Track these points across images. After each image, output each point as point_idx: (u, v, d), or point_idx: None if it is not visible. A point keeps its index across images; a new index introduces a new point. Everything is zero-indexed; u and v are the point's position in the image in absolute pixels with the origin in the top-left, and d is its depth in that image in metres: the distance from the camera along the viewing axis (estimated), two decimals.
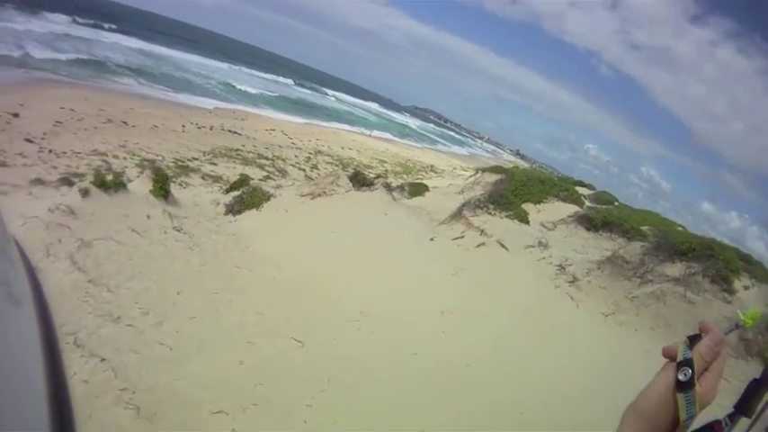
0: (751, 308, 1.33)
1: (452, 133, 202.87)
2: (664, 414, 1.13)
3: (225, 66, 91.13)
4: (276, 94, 74.21)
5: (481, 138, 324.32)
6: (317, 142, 45.10)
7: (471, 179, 27.31)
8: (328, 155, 40.64)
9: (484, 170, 28.33)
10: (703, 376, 1.14)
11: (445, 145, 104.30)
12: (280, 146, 38.54)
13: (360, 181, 19.84)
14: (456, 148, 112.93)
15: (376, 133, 71.50)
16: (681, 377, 1.12)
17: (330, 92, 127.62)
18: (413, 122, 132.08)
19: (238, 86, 68.48)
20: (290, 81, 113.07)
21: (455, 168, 58.42)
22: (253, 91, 69.45)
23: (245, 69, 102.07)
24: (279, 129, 45.08)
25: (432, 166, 54.93)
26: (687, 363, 1.14)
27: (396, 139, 77.11)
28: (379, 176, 25.80)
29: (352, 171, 24.19)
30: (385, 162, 46.98)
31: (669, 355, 1.21)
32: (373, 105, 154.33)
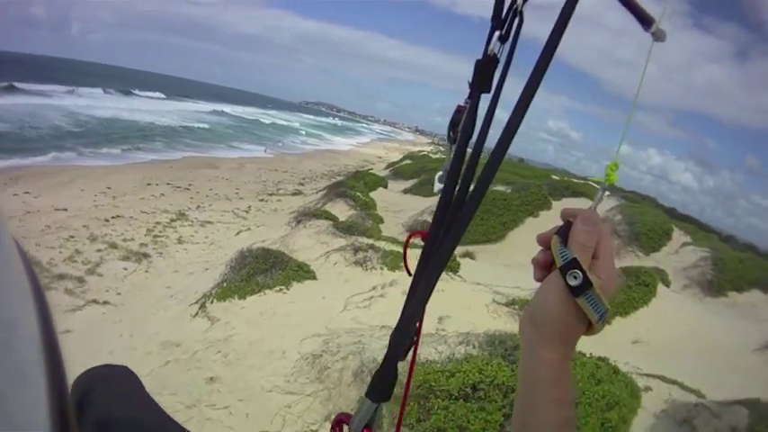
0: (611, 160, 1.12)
1: (338, 122, 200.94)
2: (571, 321, 1.03)
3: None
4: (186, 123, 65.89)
5: (376, 121, 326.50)
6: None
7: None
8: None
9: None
10: (595, 265, 1.04)
11: (322, 139, 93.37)
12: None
13: None
14: (339, 139, 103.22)
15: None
16: (572, 282, 1.01)
17: (234, 107, 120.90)
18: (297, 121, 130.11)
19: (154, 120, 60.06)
20: (199, 105, 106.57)
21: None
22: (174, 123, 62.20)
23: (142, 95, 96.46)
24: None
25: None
26: (571, 264, 1.02)
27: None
28: None
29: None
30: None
31: (545, 243, 1.13)
32: (272, 111, 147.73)
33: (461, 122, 1.17)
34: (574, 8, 0.99)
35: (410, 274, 1.22)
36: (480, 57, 1.14)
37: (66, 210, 20.45)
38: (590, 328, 1.04)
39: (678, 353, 12.62)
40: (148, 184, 26.93)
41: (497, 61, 1.14)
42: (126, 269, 15.79)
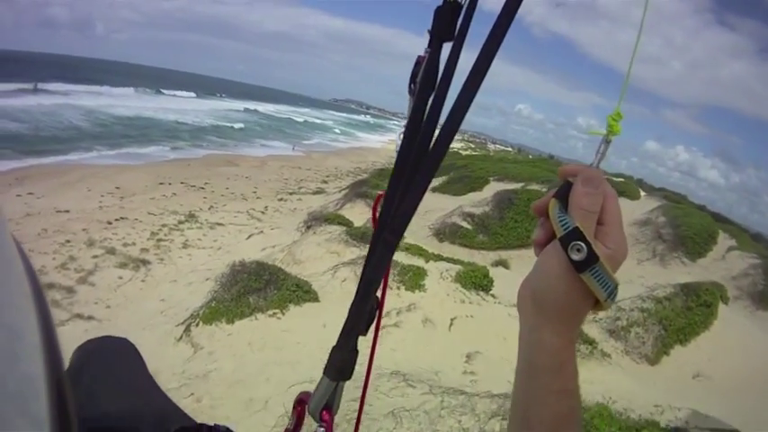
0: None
1: (369, 119, 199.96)
2: (575, 300, 0.88)
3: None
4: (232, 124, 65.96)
5: (405, 117, 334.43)
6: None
7: None
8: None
9: None
10: (601, 231, 0.87)
11: (352, 136, 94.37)
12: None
13: None
14: (368, 136, 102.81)
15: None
16: (575, 257, 0.84)
17: (266, 105, 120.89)
18: (330, 119, 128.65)
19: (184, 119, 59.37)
20: (232, 103, 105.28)
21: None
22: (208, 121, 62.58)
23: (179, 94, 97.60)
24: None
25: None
26: (574, 235, 0.85)
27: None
28: None
29: None
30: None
31: (541, 212, 0.94)
32: (306, 109, 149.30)
33: (419, 74, 1.04)
34: None
35: (374, 232, 1.06)
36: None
37: (68, 211, 18.83)
38: (597, 305, 0.89)
39: (745, 389, 10.59)
40: (161, 184, 25.12)
41: (460, 7, 1.00)
42: (121, 278, 13.99)
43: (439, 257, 13.46)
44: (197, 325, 9.76)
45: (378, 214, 1.08)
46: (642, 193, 27.76)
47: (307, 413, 1.09)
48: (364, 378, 1.17)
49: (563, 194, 0.90)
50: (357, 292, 1.02)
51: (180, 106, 70.58)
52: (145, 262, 15.21)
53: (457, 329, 10.39)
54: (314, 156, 49.97)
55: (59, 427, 0.45)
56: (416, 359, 8.76)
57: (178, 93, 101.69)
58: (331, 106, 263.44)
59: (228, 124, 63.40)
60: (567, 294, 0.87)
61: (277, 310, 9.94)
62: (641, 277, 18.03)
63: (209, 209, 21.62)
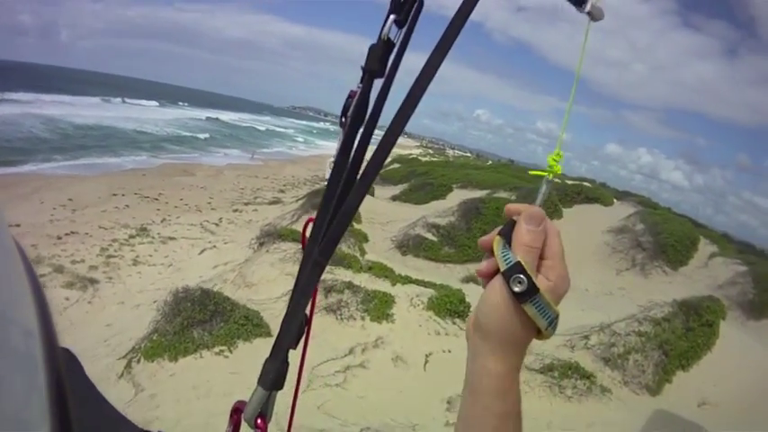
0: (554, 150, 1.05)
1: (329, 126, 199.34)
2: (517, 329, 0.94)
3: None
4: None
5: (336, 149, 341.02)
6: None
7: None
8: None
9: None
10: (544, 265, 0.95)
11: (311, 144, 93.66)
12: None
13: None
14: (327, 143, 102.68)
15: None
16: (516, 288, 0.90)
17: (227, 113, 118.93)
18: (291, 128, 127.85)
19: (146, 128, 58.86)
20: (194, 112, 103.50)
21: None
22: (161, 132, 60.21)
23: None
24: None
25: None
26: (515, 269, 0.90)
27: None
28: None
29: None
30: None
31: (487, 247, 1.00)
32: (267, 118, 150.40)
33: (351, 108, 1.09)
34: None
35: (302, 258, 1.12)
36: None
37: (18, 225, 18.00)
38: (539, 334, 0.96)
39: (755, 416, 9.64)
40: (114, 195, 24.34)
41: (392, 46, 1.07)
42: (68, 299, 13.34)
43: (407, 280, 12.67)
44: (138, 361, 9.11)
45: (306, 237, 1.15)
46: (614, 200, 26.83)
47: (243, 421, 1.08)
48: (294, 387, 1.16)
49: (507, 232, 0.95)
50: (287, 309, 1.05)
51: (143, 115, 69.57)
52: (93, 281, 14.60)
53: (433, 368, 9.66)
54: (271, 164, 49.30)
55: (59, 425, 0.47)
56: (389, 408, 8.09)
57: (142, 102, 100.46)
58: (290, 114, 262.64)
59: (191, 134, 62.56)
60: (509, 323, 0.93)
61: (224, 347, 9.20)
62: (622, 289, 17.67)
63: (162, 222, 20.96)
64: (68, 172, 29.64)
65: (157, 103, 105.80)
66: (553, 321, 0.93)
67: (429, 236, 19.44)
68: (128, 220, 20.39)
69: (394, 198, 30.12)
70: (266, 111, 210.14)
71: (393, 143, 0.97)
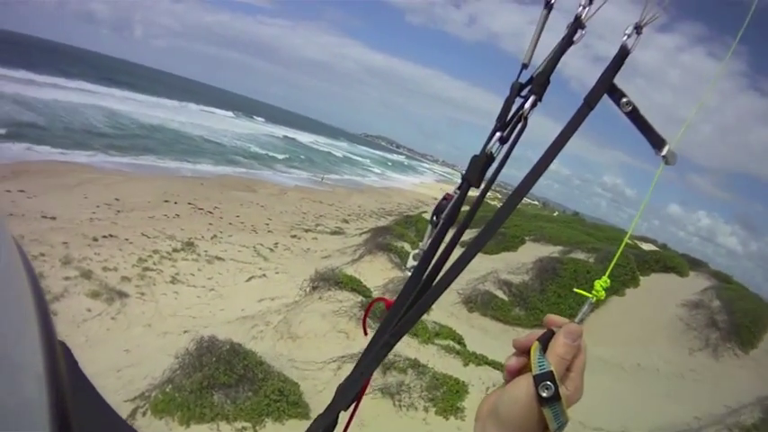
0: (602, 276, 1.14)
1: (403, 159, 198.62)
2: (531, 424, 1.01)
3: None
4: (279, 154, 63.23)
5: (435, 161, 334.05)
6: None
7: None
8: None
9: None
10: (567, 376, 1.02)
11: (381, 175, 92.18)
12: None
13: None
14: (396, 176, 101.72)
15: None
16: (544, 394, 0.98)
17: (303, 134, 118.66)
18: (368, 157, 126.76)
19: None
20: (270, 128, 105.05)
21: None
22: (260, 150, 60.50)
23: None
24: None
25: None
26: (547, 377, 0.98)
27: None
28: None
29: None
30: None
31: (521, 348, 1.10)
32: (344, 144, 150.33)
33: (446, 210, 1.21)
34: (580, 123, 1.10)
35: (366, 334, 1.30)
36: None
37: (54, 218, 16.94)
38: None
39: None
40: (166, 201, 23.05)
41: (493, 160, 1.17)
42: (89, 311, 11.95)
43: (482, 360, 10.78)
44: (144, 413, 7.30)
45: (367, 316, 1.44)
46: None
47: None
48: None
49: (545, 340, 1.03)
50: (348, 376, 1.12)
51: (215, 125, 69.48)
52: (122, 294, 13.09)
53: None
54: (338, 191, 47.68)
55: (59, 424, 0.48)
56: None
57: (216, 110, 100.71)
58: (363, 141, 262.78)
59: (270, 153, 61.44)
60: (527, 420, 0.99)
61: (248, 424, 7.31)
62: (693, 371, 15.40)
63: (212, 238, 19.46)
64: (122, 169, 28.60)
65: (233, 114, 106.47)
66: (562, 425, 0.97)
67: (499, 294, 17.65)
68: (175, 230, 18.97)
69: (462, 245, 27.22)
70: (342, 136, 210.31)
71: (476, 251, 1.08)
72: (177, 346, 9.62)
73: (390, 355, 9.41)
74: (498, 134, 1.16)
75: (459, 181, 1.19)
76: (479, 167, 1.15)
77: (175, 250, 16.88)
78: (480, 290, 17.60)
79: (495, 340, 13.36)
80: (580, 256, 21.20)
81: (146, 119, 51.01)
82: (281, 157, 60.90)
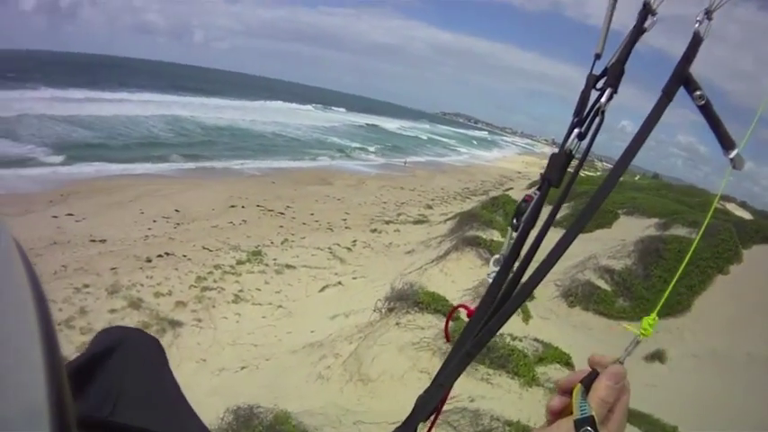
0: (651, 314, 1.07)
1: (486, 135, 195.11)
2: None
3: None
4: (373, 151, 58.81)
5: (514, 133, 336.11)
6: None
7: None
8: None
9: None
10: (608, 418, 0.98)
11: (461, 153, 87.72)
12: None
13: None
14: (478, 152, 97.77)
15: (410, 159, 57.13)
16: None
17: (386, 120, 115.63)
18: (454, 137, 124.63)
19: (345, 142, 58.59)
20: (351, 117, 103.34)
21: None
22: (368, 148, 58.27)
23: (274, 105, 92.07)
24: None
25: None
26: (587, 422, 0.95)
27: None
28: None
29: None
30: None
31: (564, 389, 1.05)
32: (426, 126, 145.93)
33: (526, 213, 1.18)
34: (660, 115, 1.07)
35: (448, 341, 1.36)
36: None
37: (104, 241, 15.79)
38: None
39: None
40: (232, 207, 21.58)
41: (572, 158, 1.16)
42: None
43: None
44: None
45: (449, 324, 1.40)
46: None
47: None
48: None
49: (588, 382, 0.99)
50: (429, 387, 1.13)
51: (293, 120, 67.85)
52: (174, 323, 11.60)
53: None
54: (419, 173, 45.73)
55: (59, 425, 0.47)
56: None
57: (293, 105, 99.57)
58: (441, 120, 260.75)
59: (350, 143, 59.60)
60: None
61: None
62: None
63: (283, 243, 17.80)
64: (184, 176, 27.28)
65: (312, 108, 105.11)
66: None
67: (601, 283, 15.57)
68: (240, 239, 17.42)
69: (556, 224, 24.41)
70: (423, 118, 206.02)
71: (558, 257, 1.05)
72: (233, 388, 7.98)
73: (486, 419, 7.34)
74: (576, 131, 1.13)
75: (540, 173, 1.16)
76: (560, 166, 1.13)
77: (240, 262, 15.30)
78: (580, 280, 15.63)
79: (602, 344, 11.67)
80: (680, 231, 18.70)
81: (212, 121, 50.18)
82: (372, 148, 58.69)
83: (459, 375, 1.11)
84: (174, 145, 36.35)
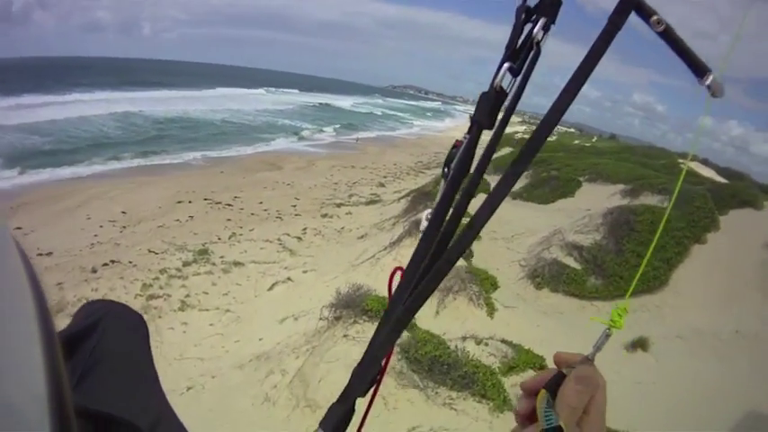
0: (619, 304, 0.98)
1: (439, 105, 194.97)
2: None
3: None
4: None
5: (466, 101, 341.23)
6: None
7: None
8: None
9: None
10: (583, 420, 0.90)
11: (413, 125, 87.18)
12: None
13: None
14: (431, 123, 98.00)
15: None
16: None
17: (343, 98, 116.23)
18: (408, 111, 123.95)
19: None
20: (310, 99, 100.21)
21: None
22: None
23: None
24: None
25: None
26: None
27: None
28: None
29: None
30: None
31: (530, 392, 0.97)
32: (379, 100, 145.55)
33: (455, 159, 1.09)
34: (608, 44, 0.96)
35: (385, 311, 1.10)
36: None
37: (50, 254, 15.09)
38: None
39: None
40: (179, 202, 20.78)
41: (505, 96, 1.04)
42: None
43: None
44: None
45: (392, 288, 1.14)
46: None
47: None
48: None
49: (553, 386, 0.91)
50: (362, 358, 1.04)
51: (245, 106, 66.79)
52: None
53: None
54: (371, 149, 44.88)
55: (59, 425, 0.46)
56: None
57: (245, 90, 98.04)
58: (391, 93, 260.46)
59: (300, 123, 58.97)
60: None
61: None
62: None
63: (230, 238, 17.08)
64: (132, 175, 26.24)
65: (264, 91, 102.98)
66: None
67: (570, 261, 14.43)
68: (187, 237, 16.67)
69: (514, 196, 22.90)
70: (375, 93, 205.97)
71: (499, 201, 0.96)
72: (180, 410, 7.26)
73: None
74: (507, 65, 1.00)
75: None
76: (489, 106, 1.02)
77: (186, 264, 14.59)
78: (546, 259, 14.61)
79: (575, 330, 10.79)
80: (651, 200, 17.89)
81: (161, 114, 48.87)
82: (312, 127, 57.35)
83: (392, 343, 1.05)
84: (124, 143, 35.22)
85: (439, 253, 1.03)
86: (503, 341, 9.19)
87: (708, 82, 0.94)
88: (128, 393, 1.24)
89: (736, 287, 13.03)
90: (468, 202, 1.05)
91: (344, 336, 8.85)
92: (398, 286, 1.07)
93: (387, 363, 1.10)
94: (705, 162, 37.14)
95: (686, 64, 0.96)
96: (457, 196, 1.06)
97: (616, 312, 0.94)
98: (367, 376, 1.04)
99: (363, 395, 1.05)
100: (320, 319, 9.60)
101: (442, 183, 1.09)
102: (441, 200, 1.06)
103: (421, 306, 1.01)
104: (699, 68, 0.95)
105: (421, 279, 1.01)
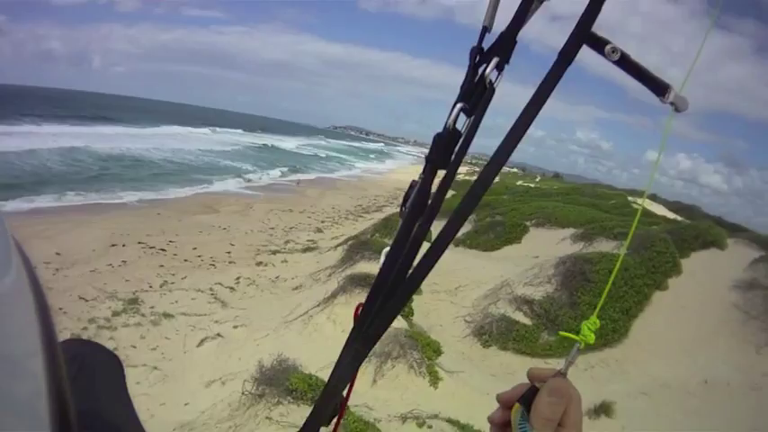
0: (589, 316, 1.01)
1: (382, 147, 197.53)
2: None
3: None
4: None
5: (407, 142, 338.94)
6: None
7: None
8: None
9: None
10: None
11: (353, 167, 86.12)
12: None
13: None
14: (371, 165, 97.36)
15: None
16: None
17: (287, 139, 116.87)
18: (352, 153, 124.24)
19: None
20: (253, 139, 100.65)
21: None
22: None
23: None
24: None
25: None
26: None
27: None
28: None
29: None
30: None
31: (506, 404, 0.99)
32: (323, 142, 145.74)
33: (410, 198, 1.10)
34: (558, 79, 0.97)
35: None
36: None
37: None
38: None
39: None
40: (113, 245, 19.98)
41: (459, 135, 1.06)
42: None
43: None
44: None
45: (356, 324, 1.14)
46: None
47: None
48: None
49: (527, 399, 0.92)
50: (324, 390, 1.04)
51: (188, 146, 65.06)
52: None
53: None
54: (310, 192, 44.17)
55: (60, 423, 0.48)
56: None
57: (190, 129, 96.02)
58: (332, 134, 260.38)
59: (241, 164, 58.21)
60: None
61: None
62: (766, 376, 11.40)
63: (162, 286, 16.47)
64: (69, 214, 25.03)
65: (209, 131, 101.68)
66: None
67: (519, 317, 13.63)
68: (118, 284, 16.00)
69: (457, 243, 22.16)
70: (317, 134, 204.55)
71: (449, 241, 0.95)
72: None
73: None
74: (459, 105, 1.01)
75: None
76: (443, 146, 1.03)
77: (116, 313, 13.94)
78: (494, 314, 13.81)
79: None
80: (606, 246, 17.36)
81: (106, 151, 47.68)
82: (253, 168, 56.80)
83: (351, 378, 1.04)
84: (65, 180, 33.96)
85: (393, 291, 1.01)
86: (448, 420, 8.65)
87: (670, 98, 0.93)
88: (109, 424, 1.29)
89: (702, 334, 12.71)
90: (420, 240, 1.03)
91: (267, 418, 8.26)
92: (358, 319, 1.05)
93: (348, 398, 1.10)
94: (653, 197, 37.34)
95: (646, 86, 0.95)
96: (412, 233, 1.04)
97: (586, 326, 0.96)
98: (330, 406, 1.05)
99: (326, 424, 1.06)
100: (242, 393, 9.10)
101: (400, 222, 1.07)
102: (398, 236, 1.05)
103: (377, 340, 1.02)
104: (659, 87, 0.94)
105: (377, 314, 1.00)
